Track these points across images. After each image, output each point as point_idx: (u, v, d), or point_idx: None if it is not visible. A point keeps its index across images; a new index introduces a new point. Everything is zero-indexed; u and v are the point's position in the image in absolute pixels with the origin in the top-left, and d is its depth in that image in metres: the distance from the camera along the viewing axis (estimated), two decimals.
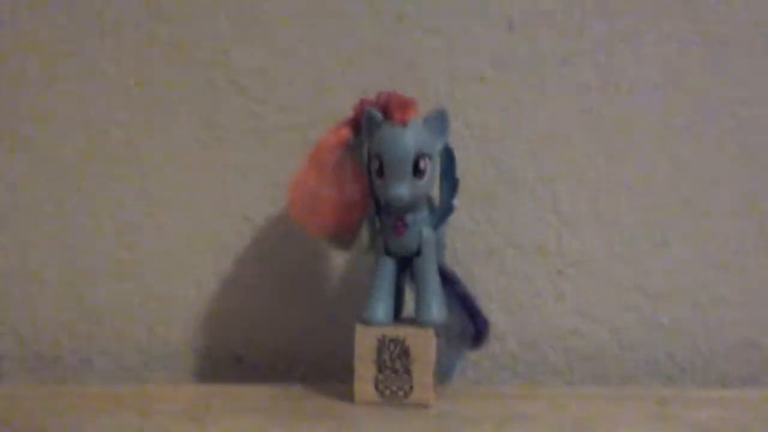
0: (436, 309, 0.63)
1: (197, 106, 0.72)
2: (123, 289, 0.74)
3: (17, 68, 0.72)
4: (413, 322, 0.63)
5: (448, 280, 0.65)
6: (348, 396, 0.63)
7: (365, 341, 0.63)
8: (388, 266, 0.64)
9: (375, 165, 0.62)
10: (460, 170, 0.64)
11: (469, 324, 0.65)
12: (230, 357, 0.74)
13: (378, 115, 0.62)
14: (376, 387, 0.63)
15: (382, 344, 0.63)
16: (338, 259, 0.73)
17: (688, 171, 0.72)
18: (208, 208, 0.73)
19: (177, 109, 0.72)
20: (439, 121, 0.62)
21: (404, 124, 0.61)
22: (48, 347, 0.74)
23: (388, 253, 0.64)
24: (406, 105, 0.62)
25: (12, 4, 0.72)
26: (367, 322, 0.63)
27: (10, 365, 0.74)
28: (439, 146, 0.63)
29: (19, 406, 0.63)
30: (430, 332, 0.62)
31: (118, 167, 0.73)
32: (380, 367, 0.63)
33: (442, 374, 0.66)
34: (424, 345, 0.62)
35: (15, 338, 0.74)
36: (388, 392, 0.63)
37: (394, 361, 0.62)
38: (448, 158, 0.63)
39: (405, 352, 0.62)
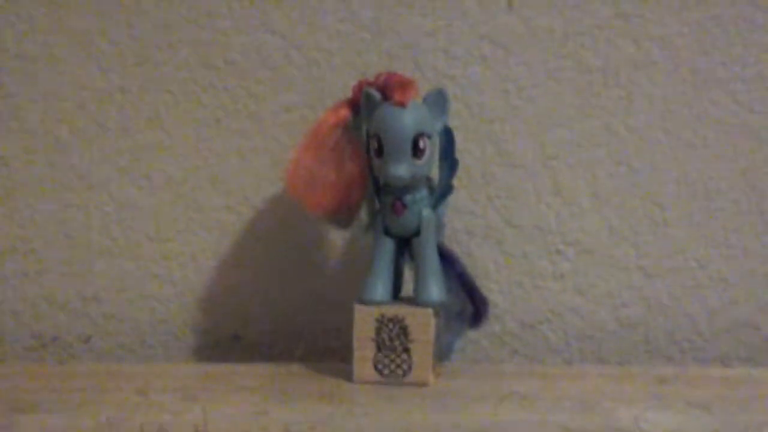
0: (435, 288, 0.63)
1: (195, 86, 0.72)
2: (121, 268, 0.73)
3: (12, 47, 0.72)
4: (412, 301, 0.63)
5: (447, 259, 0.64)
6: (347, 375, 0.63)
7: (364, 321, 0.63)
8: (387, 246, 0.64)
9: (374, 145, 0.62)
10: (459, 151, 0.64)
11: (468, 303, 0.65)
12: (229, 336, 0.74)
13: (376, 95, 0.62)
14: (375, 366, 0.63)
15: (381, 324, 0.62)
16: (337, 239, 0.73)
17: (689, 151, 0.72)
18: (206, 188, 0.73)
19: (174, 89, 0.72)
20: (439, 101, 0.62)
21: (403, 105, 0.61)
22: (46, 326, 0.74)
23: (387, 233, 0.63)
24: (405, 85, 0.62)
25: None
26: (365, 302, 0.63)
27: (8, 344, 0.74)
28: (438, 126, 0.62)
29: (18, 385, 0.63)
30: (429, 311, 0.62)
31: (115, 147, 0.72)
32: (379, 347, 0.62)
33: (441, 353, 0.66)
34: (423, 324, 0.62)
35: (13, 317, 0.74)
36: (386, 371, 0.63)
37: (392, 341, 0.62)
38: (448, 138, 0.63)
39: (404, 332, 0.62)
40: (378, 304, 0.63)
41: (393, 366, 0.62)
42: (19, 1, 0.71)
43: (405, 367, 0.62)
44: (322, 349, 0.73)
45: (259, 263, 0.73)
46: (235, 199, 0.73)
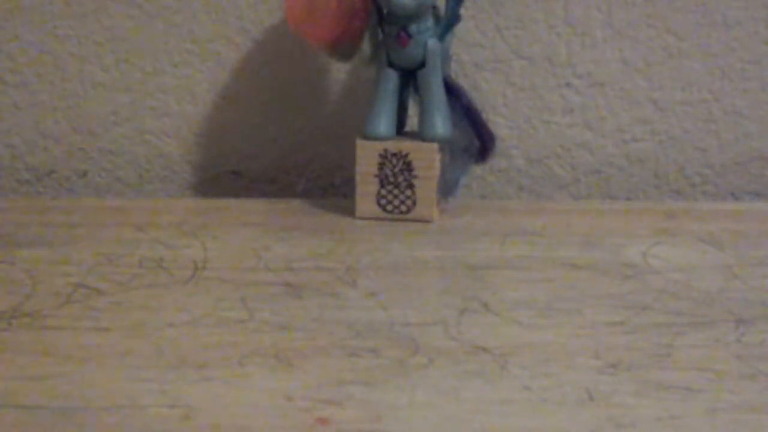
0: (441, 123, 0.61)
1: None
2: (116, 101, 0.72)
3: None
4: (417, 136, 0.62)
5: (453, 92, 0.62)
6: (349, 211, 0.63)
7: (367, 156, 0.61)
8: (391, 79, 0.62)
9: None
10: None
11: (475, 138, 0.63)
12: (228, 172, 0.73)
13: None
14: (378, 202, 0.62)
15: (384, 159, 0.61)
16: (339, 72, 0.71)
17: None
18: (204, 19, 0.70)
19: None
20: None
21: None
22: (42, 160, 0.73)
23: (390, 65, 0.61)
24: None
25: None
26: (368, 137, 0.61)
27: (3, 178, 0.73)
28: None
29: (13, 219, 0.63)
30: (434, 146, 0.61)
31: None
32: (382, 182, 0.61)
33: (446, 189, 0.64)
34: (427, 159, 0.61)
35: (7, 150, 0.73)
36: (390, 207, 0.62)
37: (396, 176, 0.61)
38: None
39: (408, 167, 0.61)
40: (381, 139, 0.61)
41: (397, 202, 0.61)
42: None
43: (409, 203, 0.61)
44: (324, 185, 0.73)
45: (259, 97, 0.72)
46: (233, 29, 0.70)
